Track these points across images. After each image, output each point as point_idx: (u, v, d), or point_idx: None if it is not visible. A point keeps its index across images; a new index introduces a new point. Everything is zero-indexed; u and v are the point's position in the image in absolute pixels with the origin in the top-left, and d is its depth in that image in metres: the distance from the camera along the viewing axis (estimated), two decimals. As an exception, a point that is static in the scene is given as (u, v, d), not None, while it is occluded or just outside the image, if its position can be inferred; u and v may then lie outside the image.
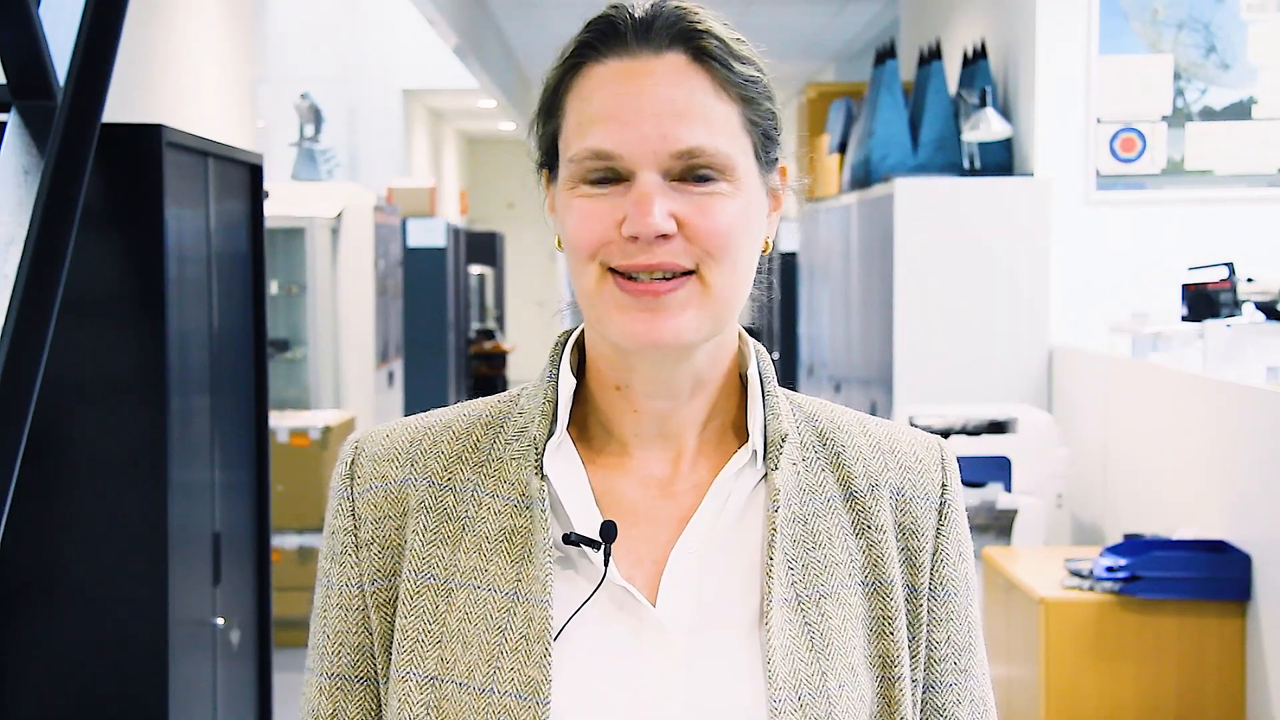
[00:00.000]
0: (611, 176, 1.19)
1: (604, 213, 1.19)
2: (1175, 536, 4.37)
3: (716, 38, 1.21)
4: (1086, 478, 5.40)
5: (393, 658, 1.23)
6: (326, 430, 7.09)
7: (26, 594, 3.46)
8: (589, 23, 1.23)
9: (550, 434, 1.25)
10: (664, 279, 1.19)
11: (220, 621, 3.91)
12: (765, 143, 1.24)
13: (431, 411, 1.31)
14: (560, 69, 1.23)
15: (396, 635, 1.23)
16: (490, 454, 1.26)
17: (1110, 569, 4.18)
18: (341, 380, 8.26)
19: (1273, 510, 4.02)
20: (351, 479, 1.28)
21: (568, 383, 1.26)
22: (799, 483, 1.25)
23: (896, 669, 1.24)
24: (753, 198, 1.23)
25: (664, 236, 1.18)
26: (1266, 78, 5.95)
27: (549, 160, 1.26)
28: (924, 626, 1.27)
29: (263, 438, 4.34)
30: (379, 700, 1.26)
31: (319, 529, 7.05)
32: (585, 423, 1.27)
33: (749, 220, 1.22)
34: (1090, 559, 4.38)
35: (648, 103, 1.18)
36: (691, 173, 1.19)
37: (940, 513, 1.29)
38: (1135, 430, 5.04)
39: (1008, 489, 5.06)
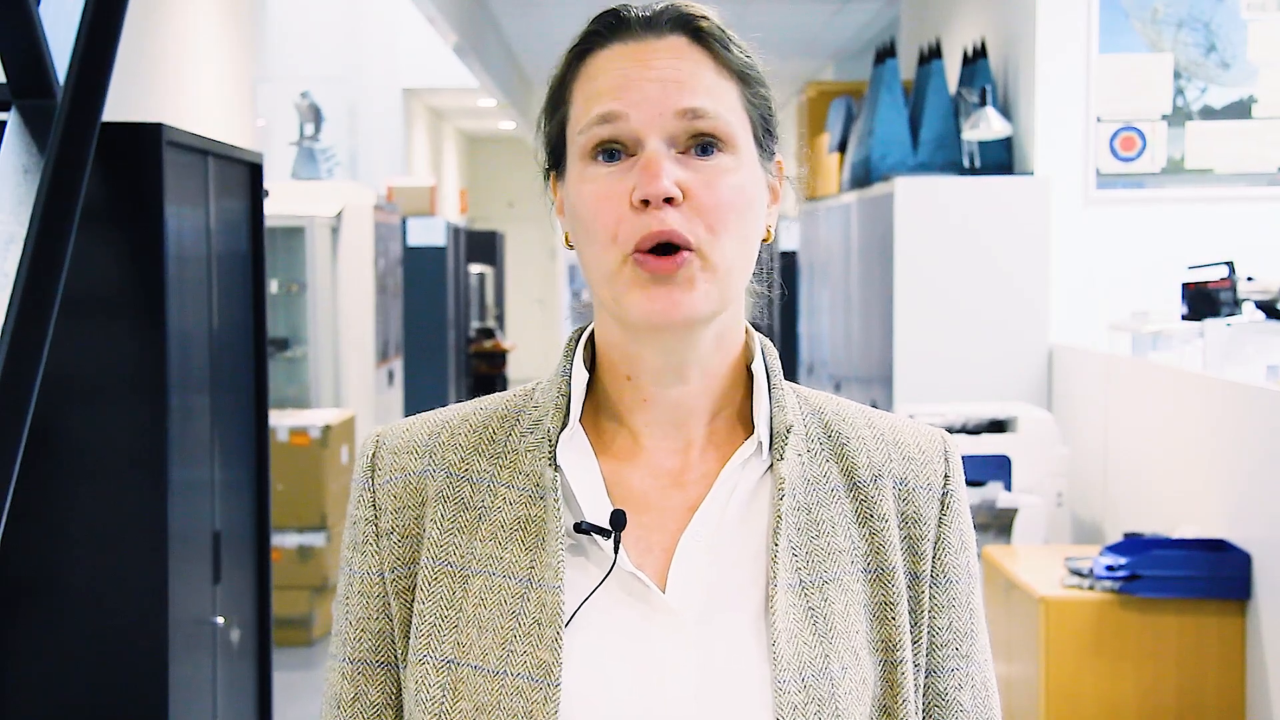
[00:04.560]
0: (619, 149, 1.24)
1: (615, 191, 1.23)
2: (1175, 535, 4.37)
3: (715, 23, 1.28)
4: (1086, 477, 5.41)
5: (411, 642, 1.28)
6: (326, 429, 7.09)
7: (26, 594, 3.46)
8: (594, 18, 1.29)
9: (564, 426, 1.29)
10: (671, 251, 1.23)
11: (220, 621, 3.91)
12: (764, 127, 1.30)
13: (449, 406, 1.36)
14: (567, 59, 1.30)
15: (415, 620, 1.28)
16: (506, 446, 1.31)
17: (1110, 568, 4.19)
18: (341, 379, 8.26)
19: (1273, 510, 4.02)
20: (373, 471, 1.32)
21: (580, 376, 1.31)
22: (804, 473, 1.30)
23: (898, 653, 1.28)
24: (753, 177, 1.28)
25: (670, 201, 1.22)
26: (1266, 77, 5.95)
27: (556, 160, 1.31)
28: (926, 613, 1.30)
29: (263, 437, 4.34)
30: (399, 684, 1.31)
31: (319, 528, 7.06)
32: (598, 416, 1.32)
33: (750, 198, 1.27)
34: (1090, 558, 4.38)
35: (653, 72, 1.25)
36: (696, 141, 1.24)
37: (943, 503, 1.33)
38: (1135, 429, 5.04)
39: (1008, 488, 5.06)
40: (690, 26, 1.27)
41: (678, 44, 1.26)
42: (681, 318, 1.23)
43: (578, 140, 1.26)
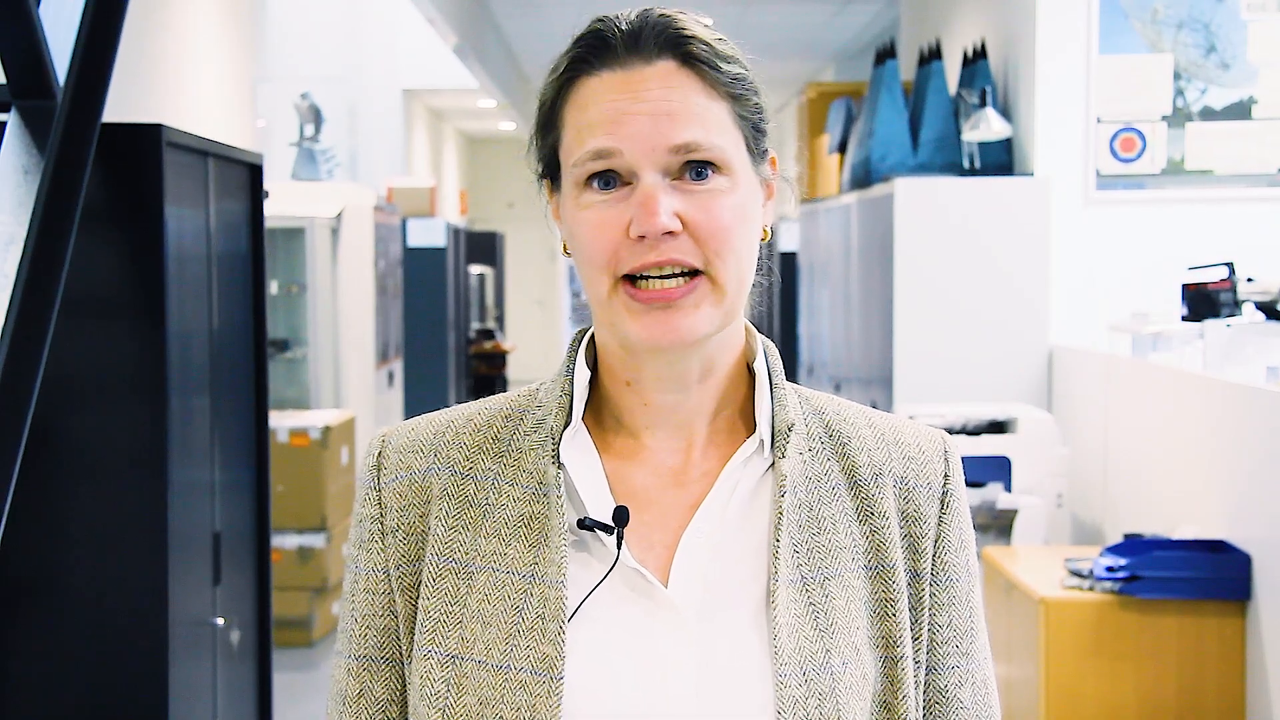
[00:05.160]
0: (614, 178, 1.25)
1: (611, 220, 1.25)
2: (1175, 536, 4.37)
3: (702, 42, 1.27)
4: (1086, 478, 5.41)
5: (416, 638, 1.29)
6: (326, 430, 7.09)
7: (26, 594, 3.46)
8: (578, 37, 1.29)
9: (566, 425, 1.31)
10: (674, 276, 1.24)
11: (220, 621, 3.91)
12: (755, 135, 1.30)
13: (454, 406, 1.38)
14: (555, 83, 1.30)
15: (419, 616, 1.29)
16: (510, 444, 1.32)
17: (1110, 569, 4.18)
18: (341, 380, 8.26)
19: (1273, 510, 4.02)
20: (378, 469, 1.34)
21: (583, 376, 1.32)
22: (805, 471, 1.31)
23: (898, 649, 1.30)
24: (749, 190, 1.29)
25: (670, 234, 1.24)
26: (1266, 78, 5.95)
27: (550, 170, 1.32)
28: (926, 610, 1.32)
29: (263, 437, 4.34)
30: (403, 680, 1.32)
31: (319, 529, 7.06)
32: (600, 414, 1.33)
33: (748, 213, 1.28)
34: (1090, 559, 4.38)
35: (643, 105, 1.25)
36: (690, 169, 1.25)
37: (943, 502, 1.35)
38: (1135, 430, 5.04)
39: (1008, 489, 5.06)
40: (679, 50, 1.26)
41: (666, 69, 1.26)
42: (681, 342, 1.26)
43: (572, 171, 1.27)
